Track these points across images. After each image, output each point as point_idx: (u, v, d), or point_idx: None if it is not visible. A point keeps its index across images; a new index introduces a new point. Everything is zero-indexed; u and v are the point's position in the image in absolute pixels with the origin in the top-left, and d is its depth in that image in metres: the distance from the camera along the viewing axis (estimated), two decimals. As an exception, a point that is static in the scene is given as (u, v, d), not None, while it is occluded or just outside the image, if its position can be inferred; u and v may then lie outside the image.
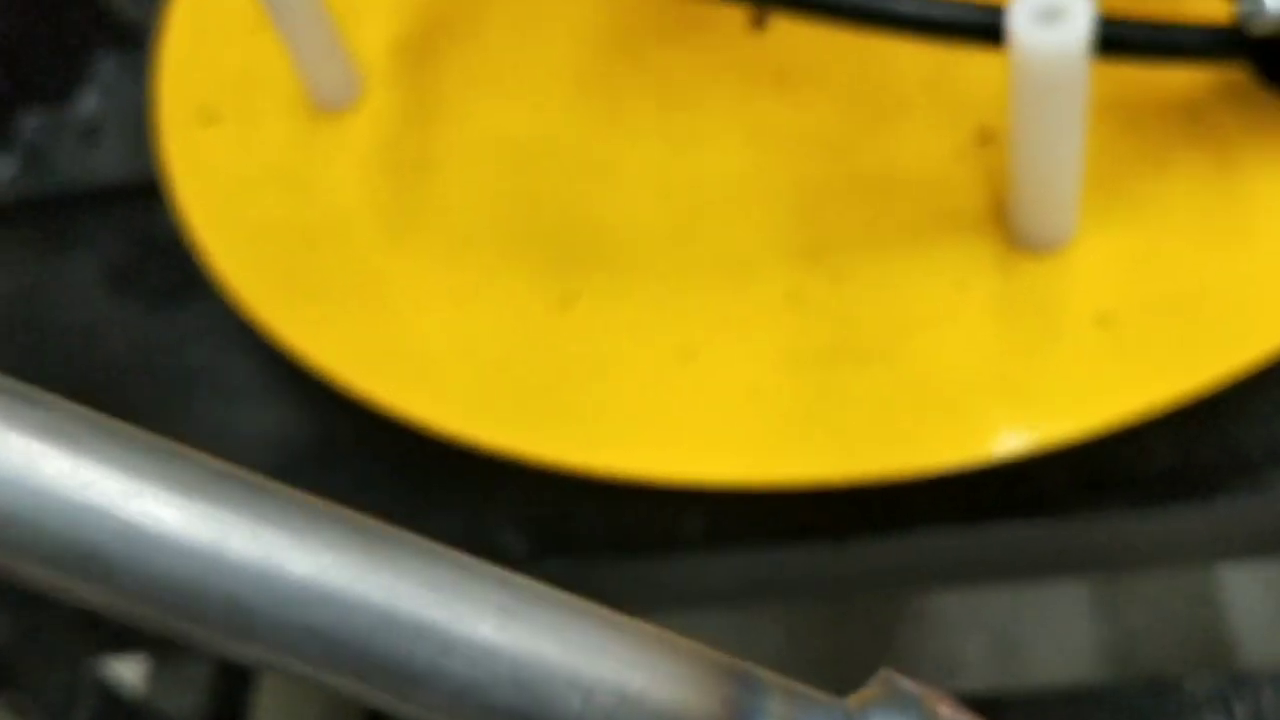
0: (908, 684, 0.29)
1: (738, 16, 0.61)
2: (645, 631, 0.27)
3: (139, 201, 0.68)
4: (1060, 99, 0.48)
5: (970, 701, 0.73)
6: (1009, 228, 0.53)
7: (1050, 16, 0.46)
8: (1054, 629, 0.98)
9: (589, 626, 0.26)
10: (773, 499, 0.53)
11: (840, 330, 0.53)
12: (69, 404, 0.23)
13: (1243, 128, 0.55)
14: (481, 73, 0.63)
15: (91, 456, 0.22)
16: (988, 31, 0.48)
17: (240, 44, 0.65)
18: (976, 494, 0.54)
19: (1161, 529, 0.56)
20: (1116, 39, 0.50)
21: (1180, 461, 0.55)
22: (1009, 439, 0.50)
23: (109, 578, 0.22)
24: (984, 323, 0.52)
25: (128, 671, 0.80)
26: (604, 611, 0.27)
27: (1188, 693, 0.70)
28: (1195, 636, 1.00)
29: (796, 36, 0.61)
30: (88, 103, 0.73)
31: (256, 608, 0.23)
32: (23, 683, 0.72)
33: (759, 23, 0.61)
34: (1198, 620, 1.00)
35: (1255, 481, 0.54)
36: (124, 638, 0.67)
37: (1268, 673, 0.70)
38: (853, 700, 0.29)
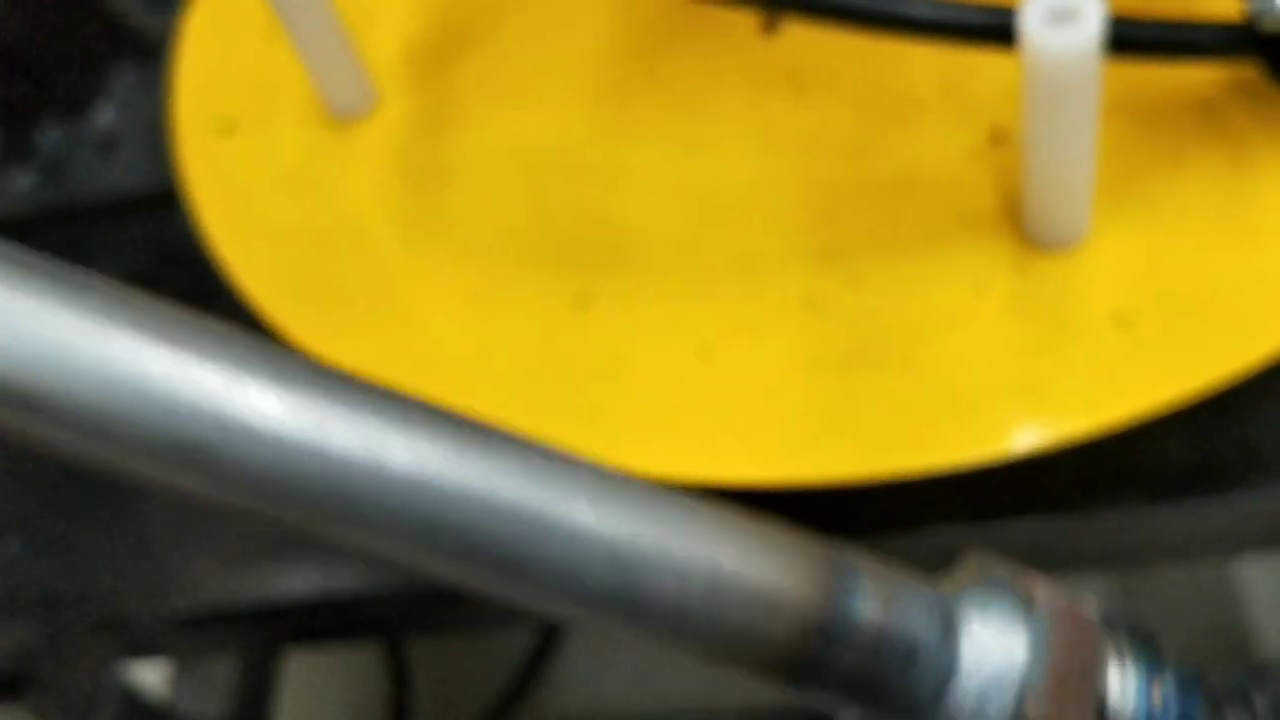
0: (999, 565, 0.30)
1: (749, 20, 0.61)
2: (736, 516, 0.27)
3: (157, 211, 0.69)
4: (1072, 99, 0.48)
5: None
6: (1023, 227, 0.54)
7: (1062, 17, 0.46)
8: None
9: (681, 511, 0.26)
10: (790, 499, 0.53)
11: (857, 332, 0.53)
12: (170, 305, 0.23)
13: (1256, 124, 0.55)
14: (494, 79, 0.63)
15: (194, 353, 0.22)
16: (999, 33, 0.49)
17: (256, 53, 0.66)
18: (994, 491, 0.55)
19: (1178, 524, 0.57)
20: (1128, 38, 0.50)
21: (1197, 457, 0.55)
22: (1026, 437, 0.50)
23: (214, 471, 0.23)
24: (1000, 323, 0.53)
25: (150, 675, 0.80)
26: (693, 499, 0.27)
27: (1206, 685, 0.70)
28: (1213, 629, 1.00)
29: (809, 40, 0.61)
30: (105, 114, 0.74)
31: (359, 496, 0.23)
32: (45, 687, 0.73)
33: (771, 26, 0.61)
34: (1215, 613, 1.00)
35: (1271, 476, 0.54)
36: (146, 642, 0.68)
37: (1285, 665, 0.70)
38: (945, 582, 0.29)
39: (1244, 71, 0.55)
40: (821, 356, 0.52)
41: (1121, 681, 0.29)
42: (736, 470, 0.52)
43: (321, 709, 1.01)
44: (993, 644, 0.28)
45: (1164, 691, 0.29)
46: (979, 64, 0.58)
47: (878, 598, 0.28)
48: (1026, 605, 0.28)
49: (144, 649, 0.70)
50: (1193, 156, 0.55)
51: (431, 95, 0.63)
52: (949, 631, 0.28)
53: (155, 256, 0.70)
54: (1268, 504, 0.55)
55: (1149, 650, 0.30)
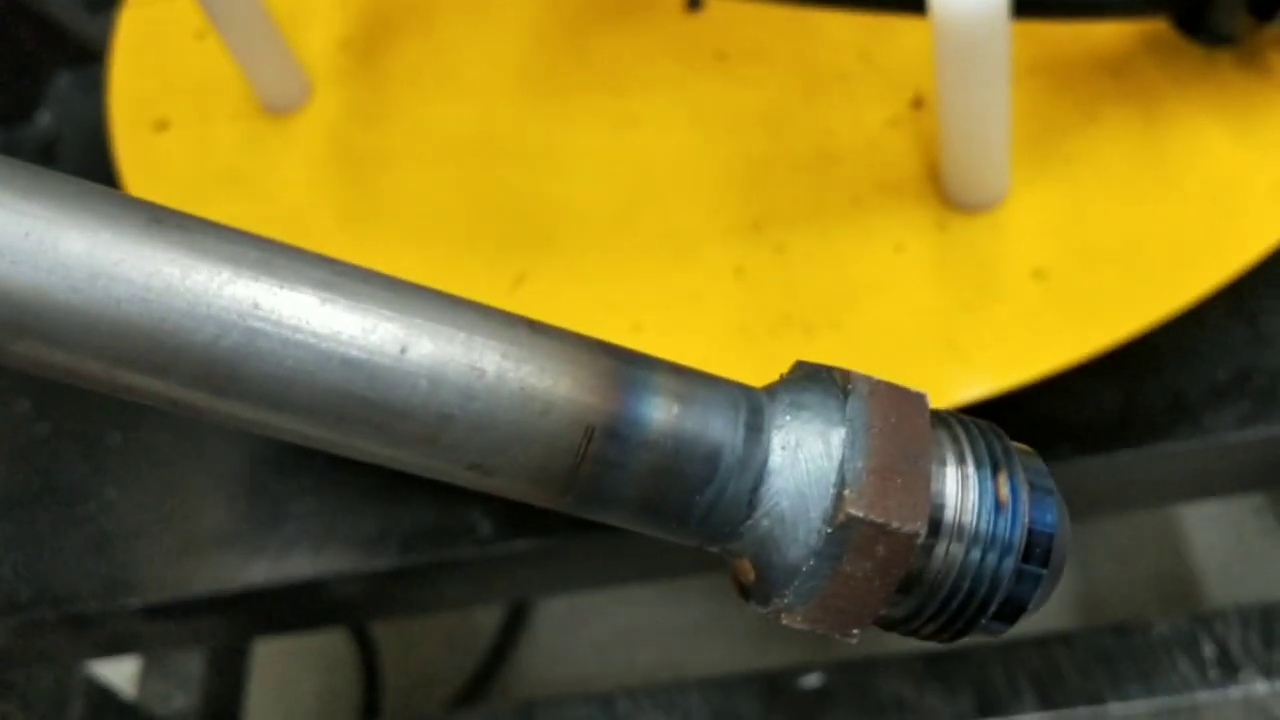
0: (821, 365, 0.26)
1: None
2: (503, 314, 0.24)
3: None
4: (984, 60, 0.49)
5: (945, 652, 0.74)
6: (944, 190, 0.55)
7: (968, -19, 0.47)
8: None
9: (433, 307, 0.23)
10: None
11: (785, 300, 0.54)
12: None
13: (1167, 78, 0.56)
14: (426, 68, 0.64)
15: None
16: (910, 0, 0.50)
17: (189, 51, 0.66)
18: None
19: (1111, 475, 0.58)
20: (1035, -1, 0.51)
21: (1125, 409, 0.57)
22: (954, 393, 0.52)
23: None
24: (924, 284, 0.54)
25: (119, 673, 0.81)
26: (454, 298, 0.24)
27: (1155, 633, 0.71)
28: (1160, 578, 1.01)
29: (733, 16, 0.62)
30: (44, 118, 0.74)
31: (31, 297, 0.20)
32: (10, 687, 0.73)
33: (695, 4, 0.62)
34: (1162, 562, 1.01)
35: (1196, 424, 0.56)
36: (111, 639, 0.69)
37: (1233, 611, 0.71)
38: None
39: (1154, 26, 0.56)
40: (751, 325, 0.54)
41: (959, 477, 0.26)
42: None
43: (291, 699, 1.02)
44: (807, 439, 0.25)
45: (1011, 489, 0.26)
46: (899, 32, 0.59)
47: (671, 394, 0.24)
48: (843, 395, 0.25)
49: (109, 647, 0.70)
50: (1108, 113, 0.56)
51: (365, 85, 0.64)
52: (756, 430, 0.25)
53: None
54: (1196, 453, 0.56)
55: (992, 445, 0.26)
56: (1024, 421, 0.56)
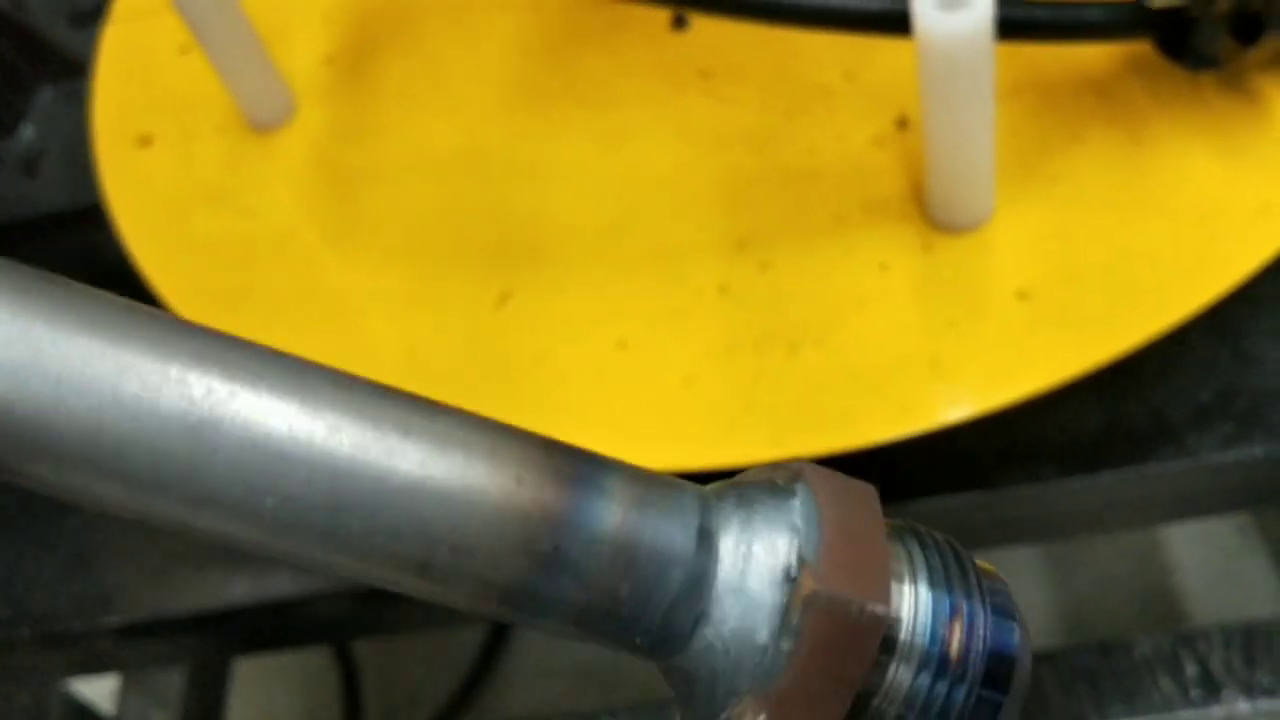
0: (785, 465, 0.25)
1: (660, 17, 0.62)
2: (444, 410, 0.23)
3: (83, 228, 0.69)
4: (968, 82, 0.49)
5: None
6: (928, 209, 0.55)
7: (954, 2, 0.47)
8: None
9: (385, 403, 0.22)
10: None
11: (770, 317, 0.54)
12: None
13: (1151, 99, 0.56)
14: (411, 85, 0.64)
15: None
16: (894, 21, 0.50)
17: (173, 67, 0.66)
18: (912, 469, 0.56)
19: (1094, 495, 0.58)
20: (1019, 21, 0.51)
21: (1108, 429, 0.57)
22: (938, 412, 0.52)
23: None
24: (908, 303, 0.54)
25: (97, 690, 0.80)
26: (393, 391, 0.23)
27: (1138, 652, 0.71)
28: (1144, 597, 1.01)
29: (719, 34, 0.62)
30: (27, 133, 0.74)
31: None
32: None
33: (680, 22, 0.62)
34: (1146, 581, 1.02)
35: (1180, 445, 0.56)
36: (91, 657, 0.68)
37: (1215, 630, 0.72)
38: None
39: (1138, 48, 0.56)
40: (736, 342, 0.53)
41: (913, 595, 0.25)
42: (657, 458, 0.52)
43: (272, 717, 1.01)
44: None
45: (968, 611, 0.25)
46: (885, 52, 0.59)
47: (625, 498, 0.23)
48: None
49: (88, 665, 0.70)
50: (1092, 134, 0.56)
51: (350, 103, 0.64)
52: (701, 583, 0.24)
53: (85, 274, 0.70)
54: (1179, 474, 0.56)
55: (948, 563, 0.25)
56: (1007, 442, 0.56)
